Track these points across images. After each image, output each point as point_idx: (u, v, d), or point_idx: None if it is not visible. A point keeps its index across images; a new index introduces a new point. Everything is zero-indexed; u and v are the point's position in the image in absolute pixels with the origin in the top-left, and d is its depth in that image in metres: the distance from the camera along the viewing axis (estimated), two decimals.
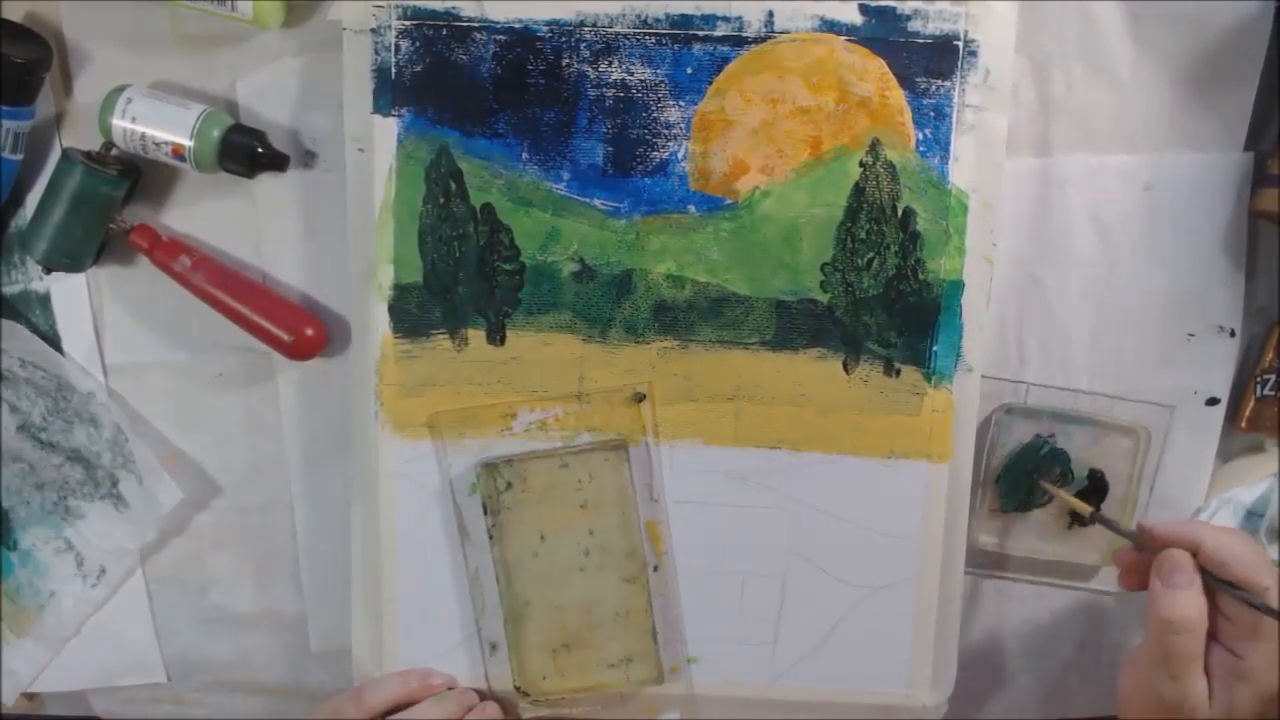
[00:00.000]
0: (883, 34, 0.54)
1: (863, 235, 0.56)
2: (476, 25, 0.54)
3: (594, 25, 0.54)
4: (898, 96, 0.55)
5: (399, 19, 0.54)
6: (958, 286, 0.56)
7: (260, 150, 0.56)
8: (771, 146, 0.55)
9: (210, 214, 0.59)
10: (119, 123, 0.54)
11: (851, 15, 0.54)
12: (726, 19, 0.54)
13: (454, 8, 0.54)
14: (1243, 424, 0.60)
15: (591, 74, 0.55)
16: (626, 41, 0.54)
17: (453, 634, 0.60)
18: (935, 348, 0.57)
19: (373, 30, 0.54)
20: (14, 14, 0.56)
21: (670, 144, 0.55)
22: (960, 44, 0.54)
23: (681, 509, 0.59)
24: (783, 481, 0.58)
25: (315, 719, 0.57)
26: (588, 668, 0.59)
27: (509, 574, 0.58)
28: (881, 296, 0.56)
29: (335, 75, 0.55)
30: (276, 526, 0.62)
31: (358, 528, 0.59)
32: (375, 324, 0.57)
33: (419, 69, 0.55)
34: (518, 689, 0.59)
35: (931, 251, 0.56)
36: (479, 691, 0.59)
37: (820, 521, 0.58)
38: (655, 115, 0.55)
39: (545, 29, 0.54)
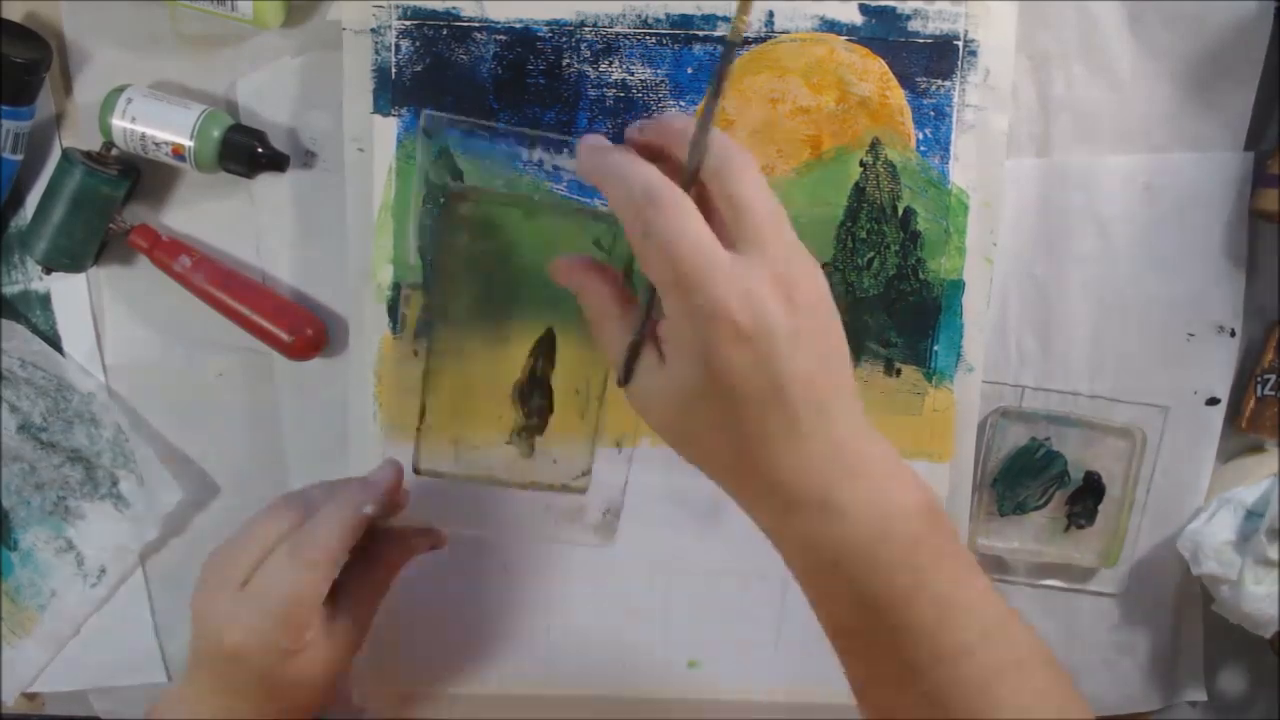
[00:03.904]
0: (883, 34, 0.54)
1: (863, 235, 0.56)
2: (477, 25, 0.54)
3: (594, 25, 0.54)
4: (898, 96, 0.55)
5: (399, 19, 0.54)
6: (958, 286, 0.56)
7: (260, 150, 0.56)
8: (772, 146, 0.55)
9: (210, 214, 0.59)
10: (119, 123, 0.54)
11: (851, 15, 0.54)
12: (727, 19, 0.54)
13: (454, 8, 0.54)
14: (1243, 424, 0.60)
15: (592, 74, 0.55)
16: (627, 41, 0.54)
17: (454, 634, 0.60)
18: (936, 347, 0.57)
19: (373, 30, 0.54)
20: (14, 14, 0.56)
21: None
22: (960, 44, 0.54)
23: (681, 510, 0.59)
24: None
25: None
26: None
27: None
28: (882, 296, 0.56)
29: (335, 75, 0.55)
30: None
31: None
32: (374, 324, 0.57)
33: (419, 69, 0.55)
34: None
35: (932, 251, 0.56)
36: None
37: None
38: (656, 115, 0.55)
39: (545, 29, 0.54)
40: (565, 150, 0.53)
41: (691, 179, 0.41)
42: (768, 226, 0.40)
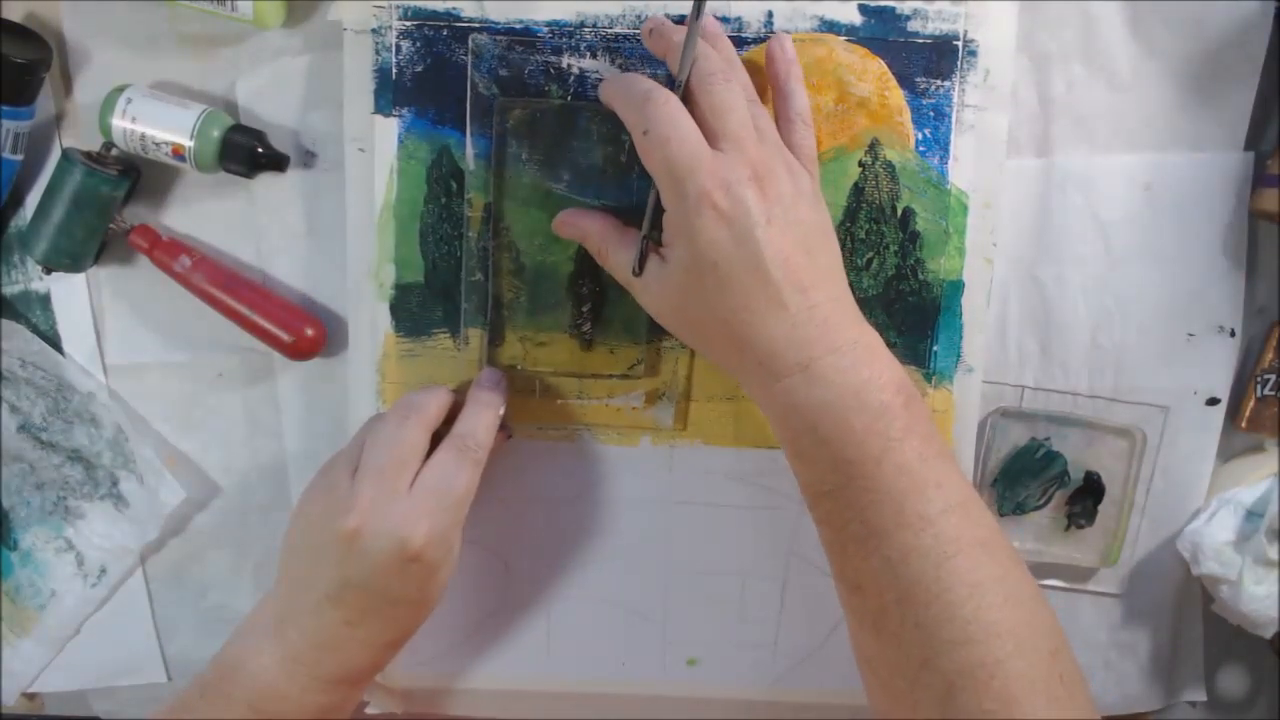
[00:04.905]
0: (882, 34, 0.54)
1: (862, 235, 0.56)
2: (477, 26, 0.54)
3: (594, 26, 0.54)
4: (897, 96, 0.55)
5: (400, 19, 0.54)
6: (957, 286, 0.56)
7: (260, 150, 0.56)
8: None
9: (210, 214, 0.59)
10: (119, 123, 0.54)
11: (851, 15, 0.54)
12: (726, 19, 0.54)
13: (455, 8, 0.54)
14: (1243, 424, 0.60)
15: (592, 75, 0.55)
16: (627, 42, 0.54)
17: (455, 629, 0.60)
18: (935, 348, 0.57)
19: (373, 30, 0.54)
20: (14, 14, 0.56)
21: None
22: (960, 44, 0.54)
23: (681, 509, 0.59)
24: (782, 482, 0.58)
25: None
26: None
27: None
28: (881, 296, 0.56)
29: (335, 75, 0.55)
30: (276, 526, 0.61)
31: None
32: (378, 323, 0.57)
33: (420, 69, 0.55)
34: None
35: (931, 251, 0.56)
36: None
37: None
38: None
39: (546, 30, 0.54)
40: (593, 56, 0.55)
41: (681, 87, 0.48)
42: (744, 129, 0.47)
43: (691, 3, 0.47)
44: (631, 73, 0.51)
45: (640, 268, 0.49)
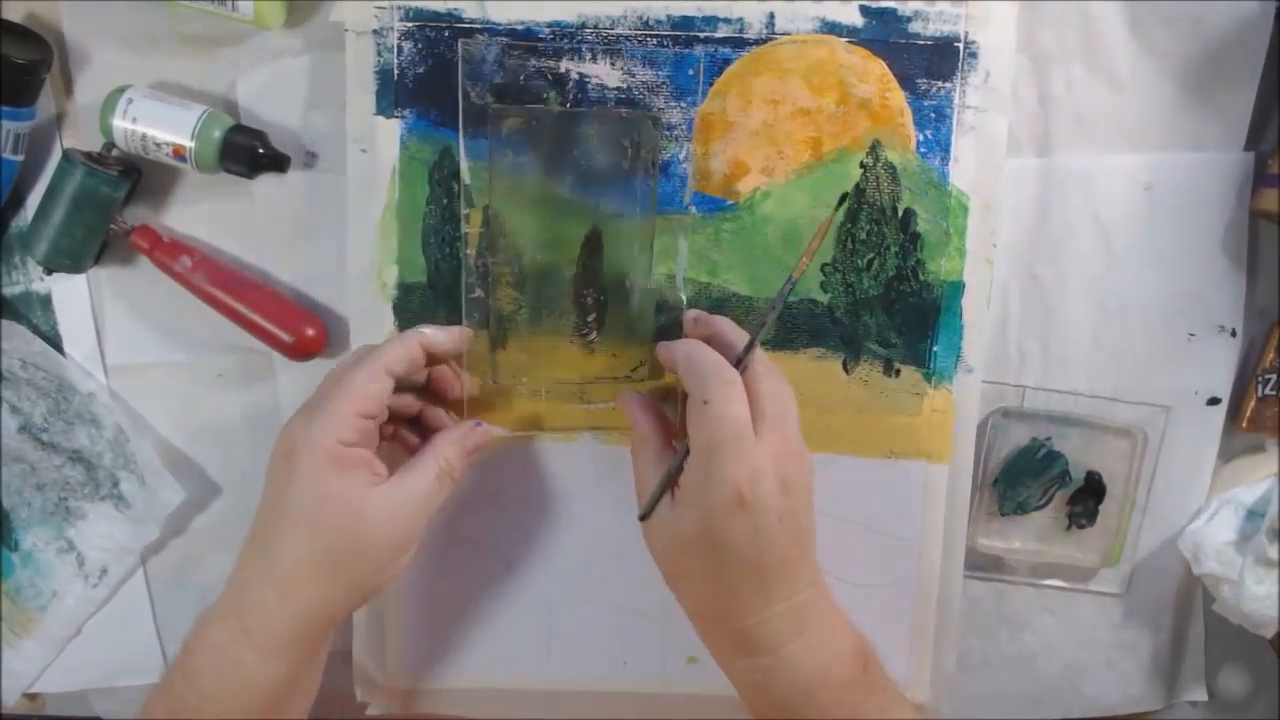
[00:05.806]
0: (883, 35, 0.54)
1: (863, 236, 0.56)
2: (479, 27, 0.54)
3: (595, 27, 0.54)
4: (898, 98, 0.55)
5: (401, 20, 0.54)
6: (958, 287, 0.56)
7: (261, 151, 0.56)
8: (772, 148, 0.55)
9: (210, 214, 0.59)
10: (120, 123, 0.54)
11: (852, 17, 0.54)
12: (728, 20, 0.54)
13: (456, 9, 0.54)
14: (1243, 424, 0.60)
15: (593, 75, 0.55)
16: (628, 43, 0.54)
17: (456, 629, 0.60)
18: (935, 348, 0.57)
19: (375, 31, 0.54)
20: (14, 14, 0.56)
21: (671, 145, 0.55)
22: (960, 45, 0.54)
23: None
24: None
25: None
26: None
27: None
28: (881, 297, 0.57)
29: (336, 76, 0.55)
30: None
31: None
32: (380, 323, 0.57)
33: (421, 70, 0.55)
34: None
35: (931, 252, 0.56)
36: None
37: (820, 521, 0.58)
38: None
39: (547, 31, 0.54)
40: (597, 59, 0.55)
41: (744, 366, 0.49)
42: (784, 420, 0.48)
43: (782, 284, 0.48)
44: (692, 341, 0.51)
45: (649, 513, 0.50)
